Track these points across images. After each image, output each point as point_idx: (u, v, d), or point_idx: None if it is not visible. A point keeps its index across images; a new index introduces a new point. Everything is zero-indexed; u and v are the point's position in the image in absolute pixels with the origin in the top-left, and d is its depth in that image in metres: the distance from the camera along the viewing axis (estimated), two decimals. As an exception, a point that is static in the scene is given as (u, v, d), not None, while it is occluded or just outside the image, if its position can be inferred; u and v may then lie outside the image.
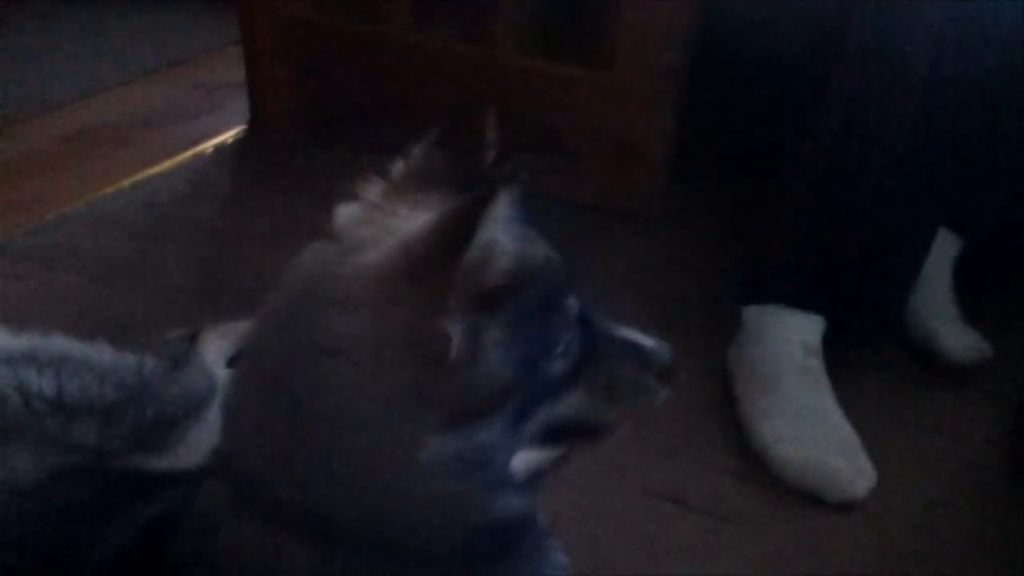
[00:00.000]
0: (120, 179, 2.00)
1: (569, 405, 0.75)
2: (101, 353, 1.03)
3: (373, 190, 0.77)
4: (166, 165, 2.08)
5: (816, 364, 1.33)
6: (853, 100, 1.31)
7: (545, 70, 1.94)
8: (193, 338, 1.30)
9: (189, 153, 2.13)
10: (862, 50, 1.29)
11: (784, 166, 1.40)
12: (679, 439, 1.34)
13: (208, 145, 2.17)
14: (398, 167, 0.79)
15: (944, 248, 1.49)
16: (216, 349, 1.32)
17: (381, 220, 0.73)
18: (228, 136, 2.21)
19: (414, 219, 0.71)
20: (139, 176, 2.02)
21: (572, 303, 0.74)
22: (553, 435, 0.76)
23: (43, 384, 0.91)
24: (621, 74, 1.83)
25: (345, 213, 0.75)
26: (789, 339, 1.34)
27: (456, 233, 0.64)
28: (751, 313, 1.40)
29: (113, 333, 1.11)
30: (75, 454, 0.84)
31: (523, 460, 0.74)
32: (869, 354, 1.46)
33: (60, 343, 1.02)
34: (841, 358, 1.37)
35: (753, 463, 1.30)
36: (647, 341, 0.81)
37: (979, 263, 1.53)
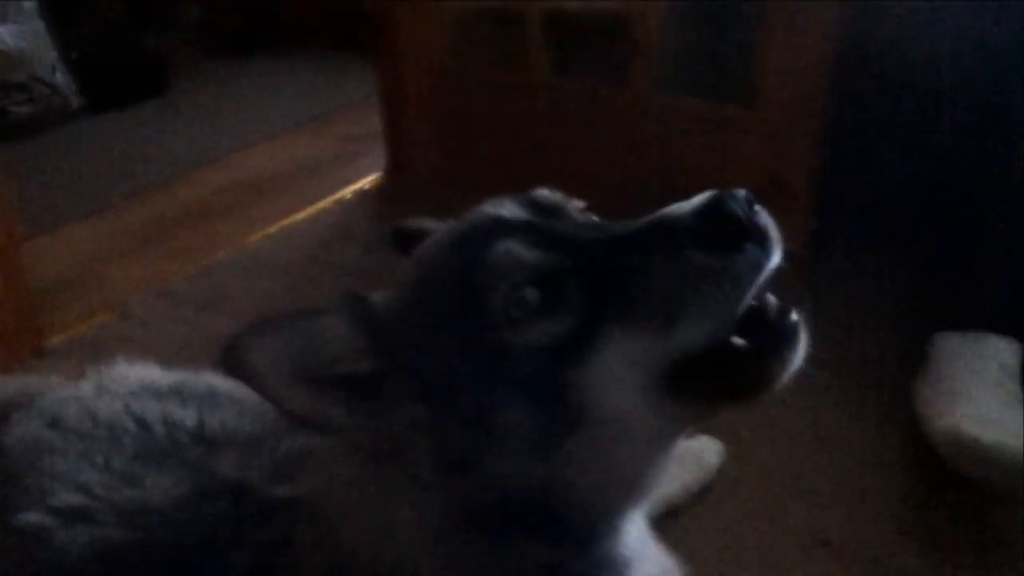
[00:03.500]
0: (268, 226, 2.10)
1: (629, 349, 0.62)
2: (244, 389, 1.06)
3: None
4: (311, 211, 2.17)
5: (1013, 386, 1.26)
6: None
7: (686, 109, 1.91)
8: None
9: (332, 199, 2.22)
10: None
11: (976, 201, 1.38)
12: (835, 486, 1.27)
13: (349, 191, 2.25)
14: None
15: None
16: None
17: None
18: (368, 182, 2.29)
19: None
20: (286, 222, 2.11)
21: (503, 248, 0.64)
22: (683, 387, 0.63)
23: (186, 416, 0.94)
24: (764, 110, 1.78)
25: None
26: (988, 358, 1.28)
27: None
28: (945, 340, 1.34)
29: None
30: (212, 481, 0.86)
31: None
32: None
33: (207, 379, 1.05)
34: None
35: (910, 512, 1.22)
36: (684, 206, 0.64)
37: None
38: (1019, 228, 1.32)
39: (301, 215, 2.15)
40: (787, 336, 0.65)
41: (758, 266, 0.63)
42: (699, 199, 0.64)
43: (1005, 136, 1.37)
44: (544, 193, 0.72)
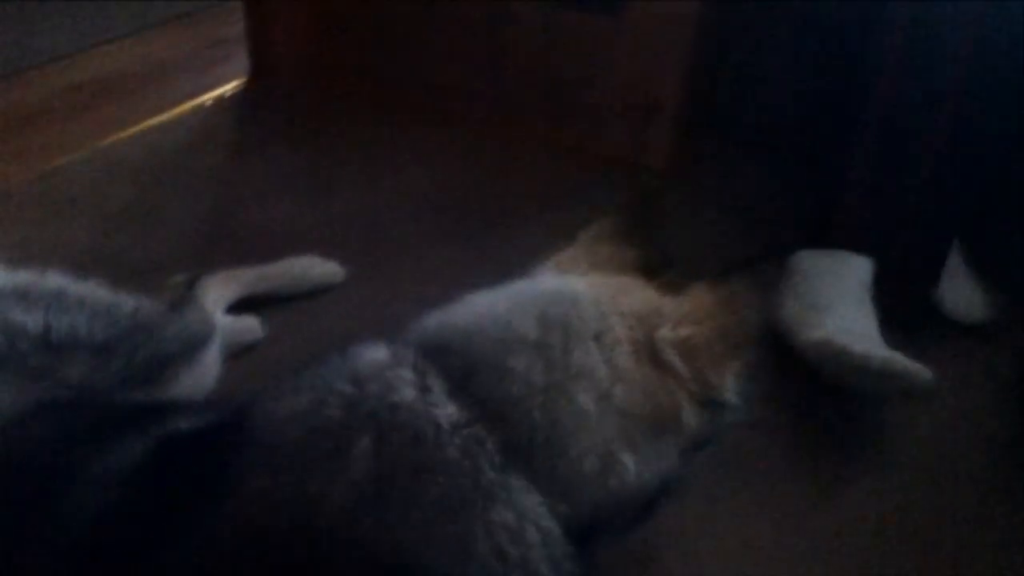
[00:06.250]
0: (123, 129, 1.97)
1: None
2: (97, 292, 1.02)
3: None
4: (169, 115, 2.05)
5: (867, 299, 1.37)
6: (901, 67, 1.36)
7: (557, 19, 1.89)
8: (193, 283, 1.29)
9: (192, 104, 2.11)
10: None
11: (841, 132, 1.44)
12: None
13: (209, 96, 2.14)
14: (577, 253, 0.94)
15: None
16: (215, 295, 1.31)
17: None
18: (229, 88, 2.18)
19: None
20: (143, 126, 2.00)
21: None
22: None
23: (29, 321, 0.89)
24: (636, 24, 1.79)
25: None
26: (848, 275, 1.39)
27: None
28: (807, 257, 1.43)
29: (115, 278, 1.09)
30: (61, 389, 0.82)
31: None
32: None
33: (55, 280, 1.00)
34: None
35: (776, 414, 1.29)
36: None
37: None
38: (878, 152, 1.40)
39: (157, 119, 2.03)
40: None
41: None
42: None
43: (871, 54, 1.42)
44: None
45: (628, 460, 0.78)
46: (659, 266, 0.94)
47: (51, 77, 2.23)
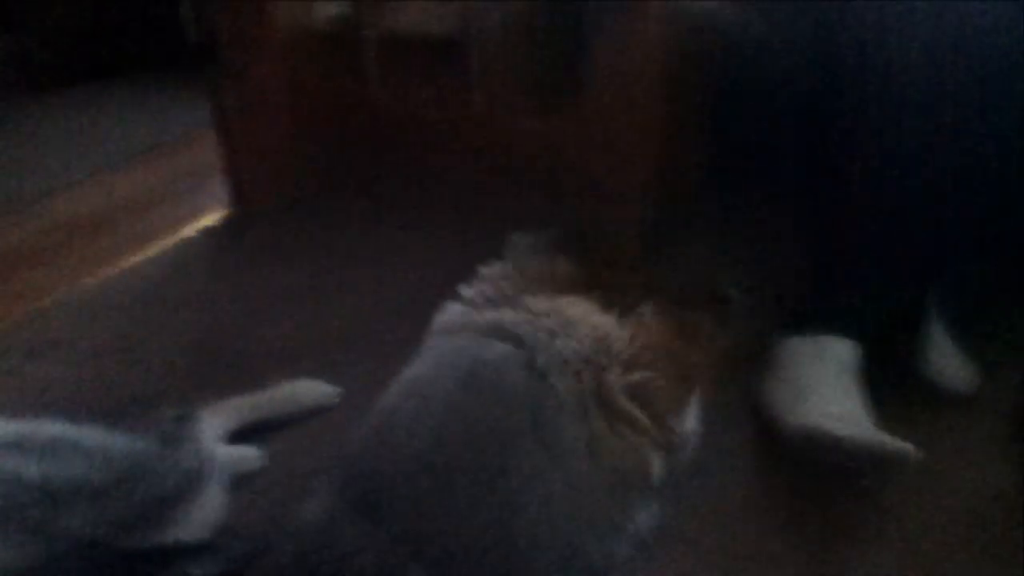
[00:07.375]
0: (102, 267, 1.97)
1: None
2: (91, 436, 1.00)
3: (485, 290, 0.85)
4: (149, 251, 2.05)
5: (852, 381, 1.35)
6: (859, 136, 1.40)
7: (519, 123, 1.95)
8: (186, 417, 1.26)
9: (173, 236, 2.11)
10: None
11: (808, 210, 1.49)
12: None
13: (191, 226, 2.15)
14: (506, 270, 0.86)
15: None
16: (212, 427, 1.28)
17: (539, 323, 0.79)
18: (211, 216, 2.18)
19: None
20: (122, 263, 1.99)
21: None
22: None
23: (29, 472, 0.87)
24: (599, 116, 1.83)
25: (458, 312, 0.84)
26: (830, 359, 1.37)
27: None
28: (790, 344, 1.41)
29: (105, 416, 1.08)
30: (61, 541, 0.79)
31: None
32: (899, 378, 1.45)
33: (49, 428, 0.98)
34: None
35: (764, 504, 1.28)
36: None
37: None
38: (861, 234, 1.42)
39: (138, 255, 2.03)
40: None
41: None
42: None
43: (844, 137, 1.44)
44: None
45: (612, 538, 0.78)
46: (598, 280, 0.87)
47: (23, 221, 2.23)
